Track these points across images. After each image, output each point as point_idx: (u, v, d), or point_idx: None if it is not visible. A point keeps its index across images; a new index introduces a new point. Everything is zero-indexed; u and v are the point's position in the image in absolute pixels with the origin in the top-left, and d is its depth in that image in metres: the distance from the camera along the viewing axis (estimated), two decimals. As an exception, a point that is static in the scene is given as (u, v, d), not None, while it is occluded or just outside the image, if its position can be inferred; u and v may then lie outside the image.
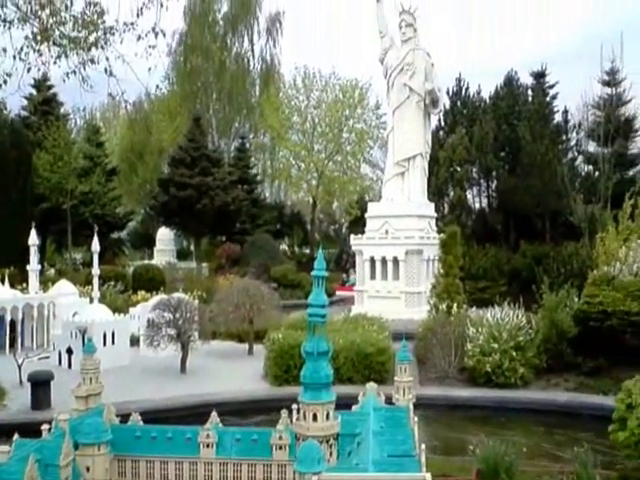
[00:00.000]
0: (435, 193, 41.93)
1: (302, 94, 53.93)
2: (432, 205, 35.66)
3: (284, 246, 61.99)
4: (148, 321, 22.78)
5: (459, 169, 45.66)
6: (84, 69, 8.55)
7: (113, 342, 22.75)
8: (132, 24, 8.49)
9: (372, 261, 33.65)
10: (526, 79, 49.08)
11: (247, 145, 58.51)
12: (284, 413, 8.57)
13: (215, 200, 46.81)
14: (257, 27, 60.77)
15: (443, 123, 49.34)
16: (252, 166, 57.79)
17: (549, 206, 41.80)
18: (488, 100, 49.02)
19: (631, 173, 43.21)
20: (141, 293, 32.96)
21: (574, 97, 51.87)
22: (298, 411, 7.41)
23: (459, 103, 50.02)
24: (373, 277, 33.65)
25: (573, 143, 47.13)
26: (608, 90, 43.31)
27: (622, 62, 42.38)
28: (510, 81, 48.86)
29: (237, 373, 21.54)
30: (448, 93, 49.19)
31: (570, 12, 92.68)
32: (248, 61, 61.30)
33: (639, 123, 44.63)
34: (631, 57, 69.37)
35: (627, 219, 26.31)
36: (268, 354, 21.19)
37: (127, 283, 35.83)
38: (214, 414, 9.00)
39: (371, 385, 9.32)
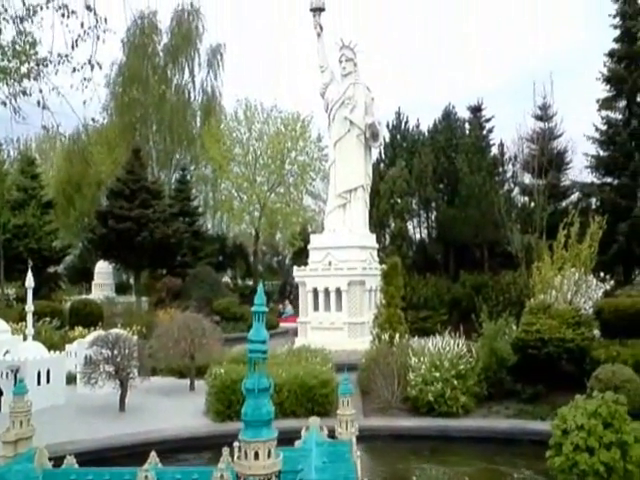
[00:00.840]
0: (376, 224, 42.46)
1: (244, 126, 54.03)
2: (373, 236, 36.02)
3: (226, 278, 61.40)
4: (85, 358, 22.09)
5: (399, 201, 46.37)
6: (15, 100, 8.32)
7: (48, 381, 21.94)
8: (67, 56, 8.32)
9: (315, 292, 33.66)
10: (463, 113, 50.63)
11: (188, 177, 58.07)
12: (225, 451, 8.38)
13: (155, 233, 46.10)
14: (198, 59, 60.91)
15: (383, 156, 50.10)
16: (193, 198, 57.32)
17: (487, 236, 42.76)
18: (427, 133, 50.15)
19: (564, 204, 44.70)
20: (78, 329, 31.99)
21: (509, 131, 53.78)
22: (239, 449, 7.26)
23: (399, 136, 50.98)
24: (316, 308, 33.63)
25: (509, 175, 48.64)
26: (541, 124, 45.14)
27: (553, 98, 44.50)
28: (448, 115, 50.16)
29: (178, 410, 21.04)
30: (388, 126, 50.14)
31: (505, 49, 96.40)
32: (189, 93, 61.20)
33: (570, 156, 46.58)
34: (561, 93, 72.69)
35: (561, 249, 27.10)
36: (210, 389, 20.79)
37: (64, 319, 34.74)
38: (153, 454, 8.71)
39: (314, 419, 9.23)
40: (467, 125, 49.57)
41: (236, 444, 7.43)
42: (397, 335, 24.14)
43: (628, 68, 42.20)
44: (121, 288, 56.53)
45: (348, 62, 33.86)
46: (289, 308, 48.91)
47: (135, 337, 24.64)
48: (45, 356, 22.36)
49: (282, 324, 43.29)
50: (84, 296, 47.57)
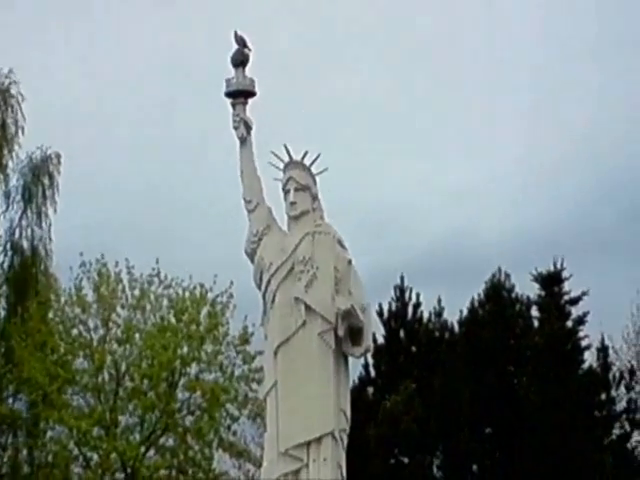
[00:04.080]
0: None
1: (94, 315, 54.38)
2: (358, 540, 34.78)
3: None
4: None
5: (407, 461, 45.88)
6: None
7: None
8: None
9: None
10: (526, 286, 51.48)
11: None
12: None
13: None
14: (4, 184, 60.52)
15: (374, 372, 50.59)
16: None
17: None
18: (457, 327, 50.99)
19: None
20: None
21: (618, 319, 54.04)
22: None
23: (403, 333, 51.70)
24: None
25: (622, 406, 48.98)
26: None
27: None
28: (496, 291, 51.17)
29: None
30: (382, 314, 51.00)
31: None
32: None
33: None
34: None
35: None
36: None
37: None
38: None
39: None
40: (536, 310, 50.61)
41: None
42: None
43: None
44: None
45: (300, 193, 33.54)
46: None
47: None
48: None
49: None
50: None
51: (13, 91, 59.89)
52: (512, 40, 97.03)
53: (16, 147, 60.64)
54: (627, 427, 48.34)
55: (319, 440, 35.38)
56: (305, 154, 36.96)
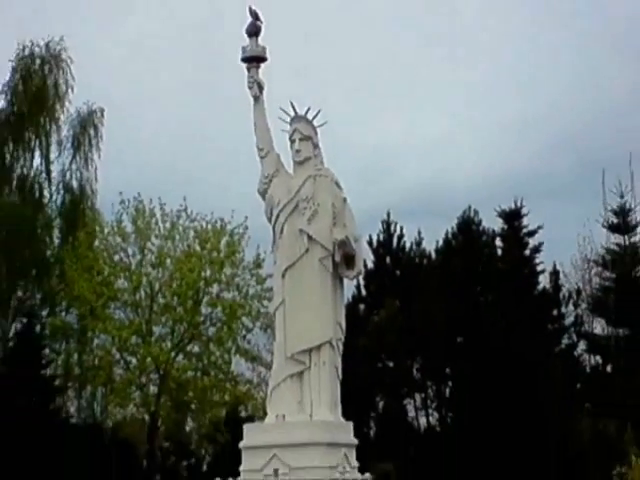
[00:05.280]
0: (355, 405, 42.65)
1: (132, 244, 55.34)
2: (350, 425, 35.49)
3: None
4: None
5: (392, 365, 47.69)
6: None
7: None
8: None
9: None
10: (492, 221, 52.05)
11: (37, 328, 57.57)
12: None
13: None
14: (57, 135, 61.10)
15: (365, 292, 51.67)
16: (47, 363, 56.37)
17: (536, 423, 43.11)
18: (434, 254, 51.92)
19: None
20: None
21: (569, 248, 55.30)
22: None
23: (389, 259, 52.79)
24: None
25: (570, 320, 50.24)
26: (619, 238, 45.70)
27: (634, 197, 45.03)
28: (467, 225, 52.02)
29: None
30: (371, 244, 51.82)
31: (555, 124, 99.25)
32: (40, 189, 60.79)
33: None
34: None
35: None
36: None
37: None
38: None
39: None
40: (499, 241, 51.43)
41: None
42: None
43: None
44: None
45: (304, 142, 34.07)
46: None
47: None
48: None
49: None
50: None
51: (64, 56, 61.39)
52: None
53: (67, 103, 61.50)
54: (574, 338, 49.68)
55: (319, 347, 37.35)
56: (308, 109, 38.48)
